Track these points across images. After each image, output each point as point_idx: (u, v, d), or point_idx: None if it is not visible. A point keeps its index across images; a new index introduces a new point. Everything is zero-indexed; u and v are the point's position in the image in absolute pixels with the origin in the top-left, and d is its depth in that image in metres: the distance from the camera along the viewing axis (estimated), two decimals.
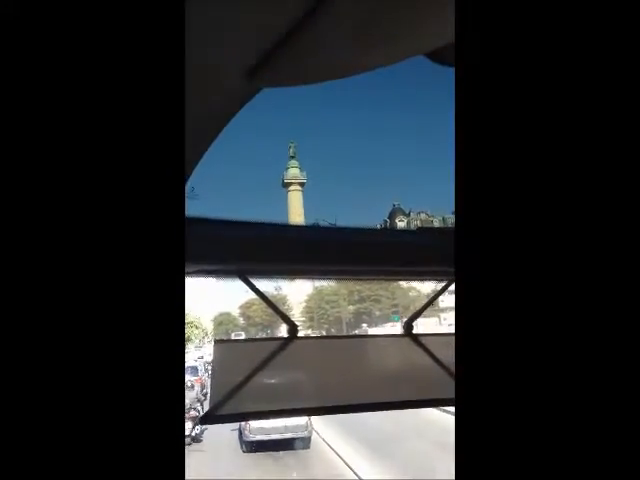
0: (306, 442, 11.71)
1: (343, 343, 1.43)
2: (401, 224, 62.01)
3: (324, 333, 41.05)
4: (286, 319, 1.19)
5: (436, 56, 0.89)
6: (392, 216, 59.94)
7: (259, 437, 11.59)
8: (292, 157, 60.23)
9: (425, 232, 1.33)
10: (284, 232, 1.10)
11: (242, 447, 11.73)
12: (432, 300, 1.38)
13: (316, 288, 43.80)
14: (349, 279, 1.43)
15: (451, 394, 1.13)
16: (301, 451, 11.30)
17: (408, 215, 62.70)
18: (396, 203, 60.39)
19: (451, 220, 60.95)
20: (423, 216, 63.00)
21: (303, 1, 0.63)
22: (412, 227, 61.39)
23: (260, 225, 1.02)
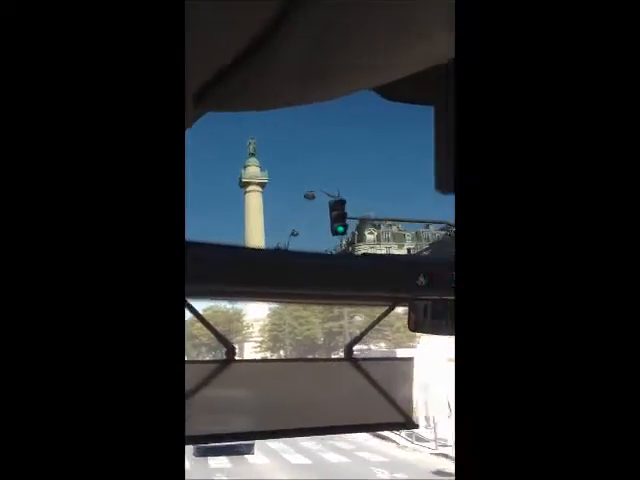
0: (250, 448, 13.78)
1: (283, 366, 1.47)
2: (370, 236, 56.76)
3: (294, 356, 33.70)
4: (223, 340, 1.18)
5: (385, 91, 0.91)
6: (361, 227, 53.40)
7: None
8: (252, 154, 53.68)
9: (369, 258, 1.46)
10: (225, 253, 1.12)
11: (194, 452, 13.22)
12: (373, 325, 1.44)
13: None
14: (294, 302, 1.47)
15: (388, 419, 1.30)
16: (246, 455, 13.71)
17: (378, 227, 56.93)
18: (365, 214, 53.57)
19: (424, 234, 56.22)
20: (395, 229, 58.15)
21: (249, 33, 0.65)
22: (382, 240, 56.93)
23: (200, 245, 1.01)
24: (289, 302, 1.54)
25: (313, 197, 20.91)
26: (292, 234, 30.98)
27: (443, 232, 50.43)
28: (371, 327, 1.45)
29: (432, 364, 17.27)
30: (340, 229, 12.94)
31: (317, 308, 34.74)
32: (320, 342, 36.46)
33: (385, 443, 16.40)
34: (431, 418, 16.39)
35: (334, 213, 12.87)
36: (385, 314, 1.28)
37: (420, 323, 1.26)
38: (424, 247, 46.30)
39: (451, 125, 0.83)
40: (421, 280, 1.14)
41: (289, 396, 1.24)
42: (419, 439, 15.87)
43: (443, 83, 0.89)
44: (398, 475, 11.94)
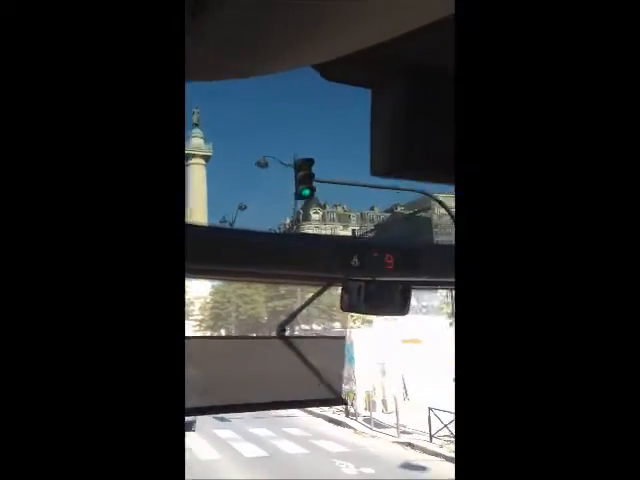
0: (191, 425, 13.23)
1: (215, 343, 1.56)
2: (316, 216, 55.57)
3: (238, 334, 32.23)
4: None
5: (323, 70, 0.91)
6: (306, 206, 52.00)
7: None
8: (195, 125, 51.09)
9: (305, 238, 1.64)
10: None
11: None
12: (306, 304, 1.47)
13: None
14: (229, 280, 1.51)
15: (319, 395, 1.33)
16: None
17: (324, 207, 55.79)
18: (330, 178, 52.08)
19: (369, 215, 55.52)
20: (340, 209, 57.24)
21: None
22: (327, 220, 55.81)
23: None
24: (225, 280, 1.66)
25: (266, 164, 19.20)
26: (240, 208, 29.26)
27: (388, 214, 49.98)
28: (304, 307, 1.51)
29: (387, 346, 16.22)
30: (306, 192, 11.37)
31: (261, 286, 33.23)
32: (264, 321, 35.00)
33: (341, 429, 15.19)
34: (389, 402, 15.37)
35: (300, 173, 11.28)
36: (318, 294, 1.30)
37: (353, 303, 1.24)
38: (368, 229, 45.59)
39: (390, 109, 0.91)
40: (355, 261, 1.14)
41: (222, 373, 1.25)
42: (378, 425, 14.76)
43: (380, 66, 0.89)
44: (365, 469, 10.70)
